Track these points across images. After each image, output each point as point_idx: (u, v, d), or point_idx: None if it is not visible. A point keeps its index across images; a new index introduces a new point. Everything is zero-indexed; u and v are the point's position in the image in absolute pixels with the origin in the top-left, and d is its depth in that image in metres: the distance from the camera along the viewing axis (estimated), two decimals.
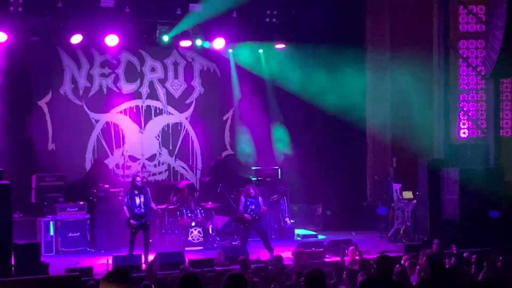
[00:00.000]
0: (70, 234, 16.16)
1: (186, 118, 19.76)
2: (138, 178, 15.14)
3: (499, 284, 8.54)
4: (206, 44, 18.89)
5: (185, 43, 18.50)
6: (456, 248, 14.50)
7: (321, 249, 15.25)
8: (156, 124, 19.48)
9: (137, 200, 14.82)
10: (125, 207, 14.89)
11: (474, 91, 20.06)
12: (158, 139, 19.47)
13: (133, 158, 19.11)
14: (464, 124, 20.08)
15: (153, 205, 15.15)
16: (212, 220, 17.20)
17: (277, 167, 19.18)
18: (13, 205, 13.83)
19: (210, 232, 17.00)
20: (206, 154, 19.81)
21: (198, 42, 18.67)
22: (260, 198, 15.72)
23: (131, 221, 14.71)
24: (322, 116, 19.63)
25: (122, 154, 18.74)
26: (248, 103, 19.92)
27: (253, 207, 15.47)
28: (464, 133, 20.00)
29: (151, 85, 19.40)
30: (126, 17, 17.59)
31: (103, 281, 5.25)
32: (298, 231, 18.31)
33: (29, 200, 17.13)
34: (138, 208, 14.79)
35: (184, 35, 18.28)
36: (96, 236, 16.48)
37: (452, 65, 19.68)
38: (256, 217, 15.46)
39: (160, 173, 19.37)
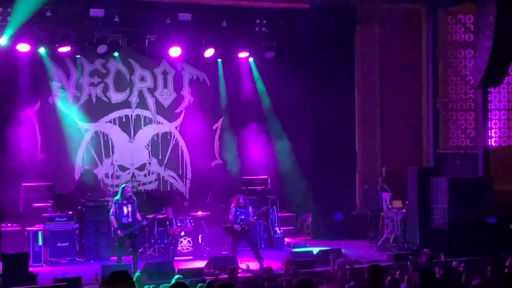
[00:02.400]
0: (58, 244, 16.07)
1: (176, 128, 19.73)
2: (127, 188, 15.15)
3: None
4: (196, 54, 18.90)
5: (175, 53, 18.48)
6: (444, 257, 14.51)
7: (311, 259, 15.23)
8: (146, 134, 19.44)
9: (125, 210, 14.84)
10: (112, 217, 14.88)
11: (462, 100, 20.14)
12: (147, 149, 19.43)
13: (122, 168, 19.07)
14: (453, 133, 20.15)
15: (138, 215, 15.14)
16: (202, 229, 17.17)
17: (267, 176, 19.17)
18: (1, 215, 13.76)
19: (200, 241, 16.97)
20: (196, 163, 19.77)
21: (188, 53, 18.69)
22: (250, 208, 15.71)
23: (118, 232, 14.71)
24: (311, 125, 19.66)
25: (112, 164, 18.68)
26: (237, 112, 19.91)
27: (243, 217, 15.45)
28: (453, 142, 20.06)
29: (140, 94, 19.37)
30: (115, 26, 17.58)
31: (103, 283, 5.21)
32: (287, 240, 18.31)
33: (18, 210, 17.04)
34: (126, 218, 14.82)
35: (174, 44, 18.27)
36: (85, 246, 16.40)
37: (441, 74, 19.76)
38: (246, 227, 15.44)
39: (150, 182, 19.31)
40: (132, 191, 15.60)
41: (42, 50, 17.57)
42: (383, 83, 20.50)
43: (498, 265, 12.00)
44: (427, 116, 19.68)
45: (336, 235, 18.69)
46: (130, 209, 14.86)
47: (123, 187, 15.24)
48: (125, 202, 14.86)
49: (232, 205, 15.73)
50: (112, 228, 15.09)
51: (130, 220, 14.82)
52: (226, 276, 12.31)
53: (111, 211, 15.07)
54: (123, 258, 14.96)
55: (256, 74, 19.81)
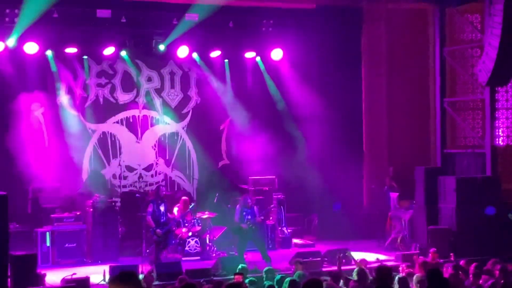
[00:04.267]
0: (66, 245, 16.09)
1: (183, 128, 19.75)
2: (163, 188, 15.96)
3: None
4: (203, 55, 18.93)
5: (182, 53, 18.51)
6: (454, 256, 14.47)
7: (319, 259, 15.22)
8: (153, 134, 19.46)
9: (162, 209, 15.46)
10: (149, 217, 15.35)
11: (470, 100, 20.07)
12: (154, 149, 19.45)
13: (130, 168, 19.09)
14: (460, 132, 20.09)
15: (169, 214, 15.83)
16: (209, 230, 17.18)
17: (274, 176, 19.14)
18: (9, 216, 13.79)
19: (207, 242, 16.97)
20: (203, 163, 19.78)
21: (195, 53, 18.72)
22: (255, 208, 15.78)
23: (158, 230, 15.21)
24: (318, 124, 19.63)
25: (119, 164, 18.70)
26: (244, 112, 19.88)
27: (249, 217, 15.52)
28: (460, 141, 20.01)
29: (147, 95, 19.39)
30: (122, 27, 17.61)
31: (112, 282, 5.25)
32: (295, 241, 18.31)
33: (26, 211, 17.09)
34: (162, 216, 15.45)
35: (181, 45, 18.29)
36: (92, 247, 16.40)
37: (448, 73, 19.71)
38: (253, 227, 15.47)
39: (157, 183, 19.32)
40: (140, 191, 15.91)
41: (49, 52, 17.58)
42: (390, 83, 20.47)
43: (506, 265, 11.97)
44: (435, 115, 19.63)
45: (343, 235, 18.65)
46: (164, 208, 15.48)
47: (159, 187, 15.99)
48: (159, 201, 15.43)
49: (237, 205, 15.79)
50: (151, 228, 15.40)
51: (165, 218, 15.44)
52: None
53: (147, 211, 15.49)
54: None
55: (263, 74, 19.80)
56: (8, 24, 16.62)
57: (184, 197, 16.73)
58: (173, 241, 16.82)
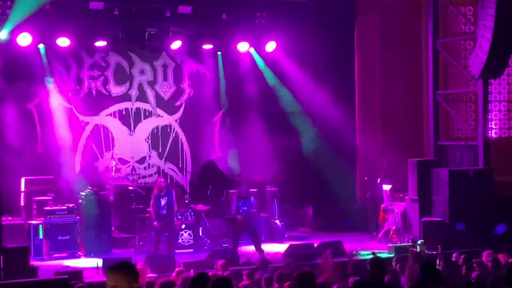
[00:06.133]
0: (59, 238, 16.06)
1: (176, 121, 19.72)
2: (159, 179, 16.03)
3: (489, 284, 8.56)
4: (196, 46, 18.89)
5: (175, 45, 18.47)
6: (442, 248, 14.52)
7: (312, 251, 15.24)
8: (146, 127, 19.43)
9: (162, 202, 15.57)
10: (151, 209, 15.67)
11: (463, 92, 20.09)
12: (147, 142, 19.42)
13: (122, 161, 19.06)
14: (453, 125, 20.12)
15: (175, 207, 15.92)
16: (203, 222, 17.19)
17: (267, 169, 19.13)
18: (2, 209, 13.77)
19: (200, 234, 16.99)
20: (196, 156, 19.77)
21: (188, 44, 18.68)
22: (252, 199, 15.90)
23: (155, 223, 15.49)
24: (312, 117, 19.64)
25: (112, 157, 18.67)
26: (237, 105, 19.88)
27: (245, 208, 15.59)
28: (453, 134, 20.04)
29: (140, 87, 19.35)
30: (115, 19, 17.56)
31: (109, 270, 5.26)
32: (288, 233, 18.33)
33: (18, 204, 17.04)
34: (162, 209, 15.57)
35: (173, 37, 18.25)
36: (85, 239, 16.37)
37: (441, 65, 19.72)
38: (248, 219, 15.58)
39: (150, 175, 19.31)
40: (167, 183, 16.33)
41: (41, 44, 17.52)
42: (383, 75, 20.48)
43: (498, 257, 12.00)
44: (428, 107, 19.65)
45: (336, 227, 18.69)
46: (165, 201, 15.58)
47: (157, 179, 16.17)
48: (162, 194, 15.59)
49: (234, 196, 15.87)
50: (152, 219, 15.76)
51: (165, 212, 15.54)
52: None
53: (150, 203, 15.78)
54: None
55: (256, 66, 19.75)
56: (0, 17, 16.55)
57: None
58: (166, 234, 16.80)
